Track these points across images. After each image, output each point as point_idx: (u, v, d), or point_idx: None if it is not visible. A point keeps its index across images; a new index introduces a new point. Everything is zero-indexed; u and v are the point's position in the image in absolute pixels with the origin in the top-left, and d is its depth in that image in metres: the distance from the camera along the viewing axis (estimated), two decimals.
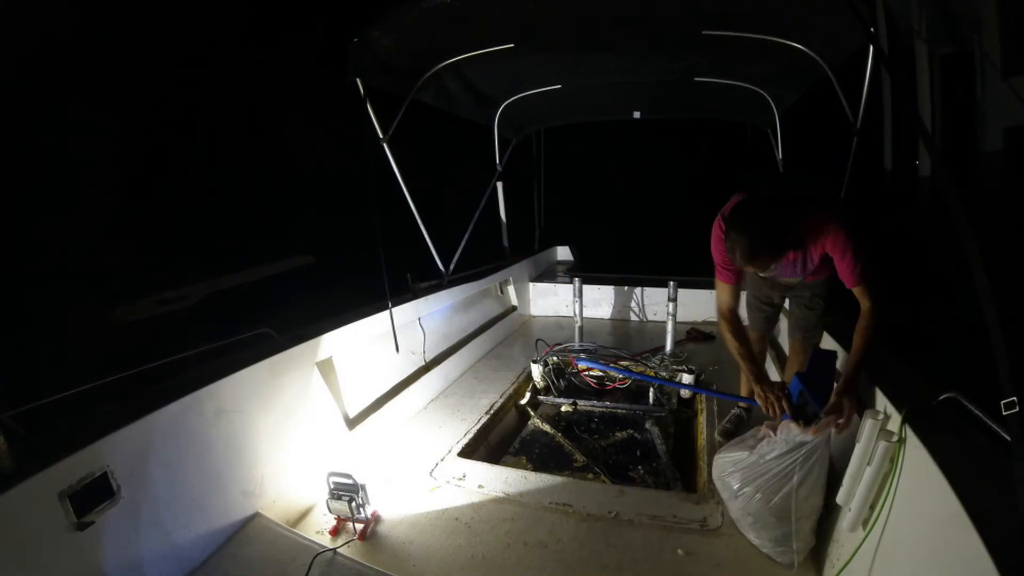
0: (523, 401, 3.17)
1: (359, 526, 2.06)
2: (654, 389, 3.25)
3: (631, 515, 2.06)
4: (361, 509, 2.09)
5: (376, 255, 2.95)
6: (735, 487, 1.87)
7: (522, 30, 2.91)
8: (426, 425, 3.01)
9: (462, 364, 3.82)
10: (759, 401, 1.93)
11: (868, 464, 1.48)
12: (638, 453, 2.71)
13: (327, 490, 2.10)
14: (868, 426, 1.55)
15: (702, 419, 2.93)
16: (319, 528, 2.12)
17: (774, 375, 3.17)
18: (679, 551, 1.85)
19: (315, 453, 2.38)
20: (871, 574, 1.40)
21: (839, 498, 1.67)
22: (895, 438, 1.41)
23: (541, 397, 3.30)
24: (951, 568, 1.08)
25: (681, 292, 3.77)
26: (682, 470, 2.49)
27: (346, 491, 2.09)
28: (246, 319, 2.47)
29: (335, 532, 2.08)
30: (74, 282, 5.39)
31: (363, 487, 2.11)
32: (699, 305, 5.00)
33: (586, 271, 5.90)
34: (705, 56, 3.34)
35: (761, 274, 2.08)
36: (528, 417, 3.05)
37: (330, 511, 2.10)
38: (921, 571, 1.20)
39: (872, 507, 1.48)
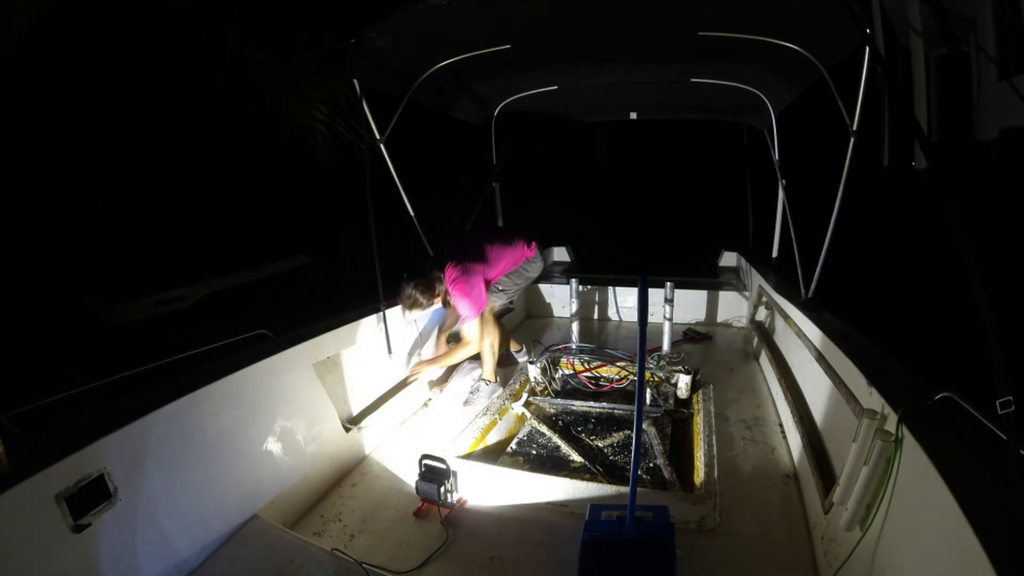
0: (520, 402, 3.16)
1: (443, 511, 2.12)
2: (651, 389, 3.25)
3: None
4: (449, 495, 2.14)
5: (372, 256, 2.96)
6: None
7: (519, 31, 2.91)
8: (423, 426, 3.02)
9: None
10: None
11: (864, 464, 1.49)
12: None
13: (417, 472, 2.18)
14: (864, 426, 1.56)
15: (699, 419, 2.93)
16: (317, 529, 2.12)
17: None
18: (677, 551, 1.85)
19: (312, 454, 2.38)
20: (868, 574, 1.41)
21: (836, 497, 1.68)
22: (891, 438, 1.42)
23: (538, 398, 3.30)
24: (948, 568, 1.08)
25: (677, 293, 3.77)
26: (679, 470, 2.49)
27: (436, 476, 2.14)
28: (243, 320, 2.47)
29: (419, 514, 2.14)
30: (70, 282, 5.37)
31: (454, 473, 2.17)
32: (695, 306, 5.01)
33: (583, 272, 5.90)
34: (701, 57, 3.34)
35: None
36: (525, 418, 3.05)
37: (417, 493, 2.16)
38: (918, 571, 1.20)
39: (869, 507, 1.48)
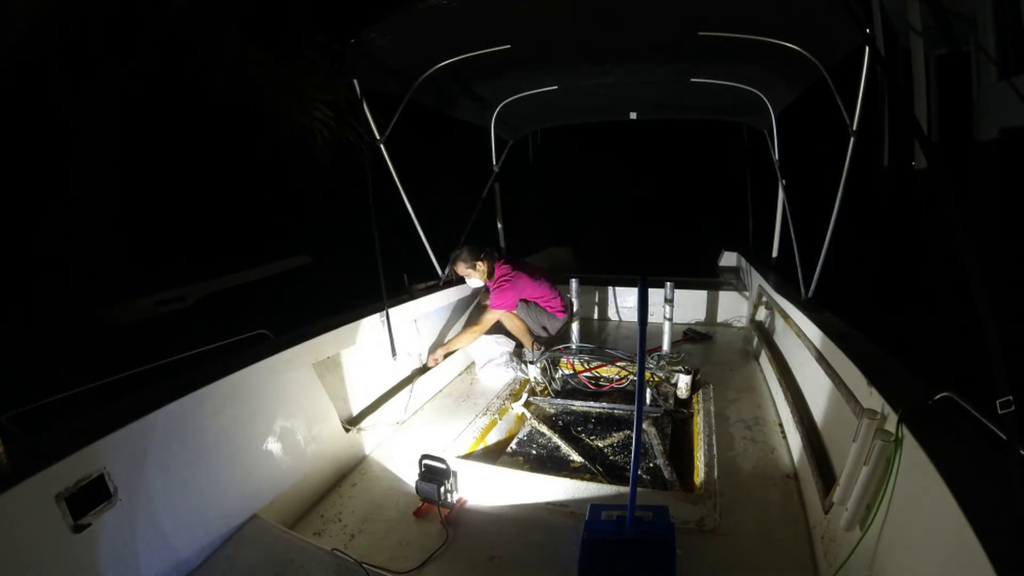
0: (520, 402, 3.17)
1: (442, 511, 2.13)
2: (651, 389, 3.25)
3: None
4: (449, 495, 2.14)
5: (373, 256, 2.95)
6: None
7: (519, 31, 2.91)
8: (423, 426, 3.02)
9: (459, 365, 3.82)
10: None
11: (864, 464, 1.48)
12: None
13: (417, 472, 2.19)
14: (864, 426, 1.56)
15: (699, 419, 2.93)
16: (317, 529, 2.12)
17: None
18: (677, 551, 1.85)
19: (312, 454, 2.38)
20: (868, 574, 1.41)
21: (836, 497, 1.68)
22: (891, 438, 1.41)
23: (538, 398, 3.30)
24: (948, 568, 1.08)
25: (677, 293, 3.77)
26: (679, 470, 2.49)
27: (436, 476, 2.15)
28: (243, 320, 2.47)
29: (419, 514, 2.14)
30: (70, 282, 5.37)
31: (454, 473, 2.17)
32: (695, 306, 5.02)
33: (583, 272, 5.90)
34: (701, 57, 3.34)
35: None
36: (525, 418, 3.05)
37: (417, 493, 2.17)
38: (918, 571, 1.20)
39: (869, 507, 1.48)
